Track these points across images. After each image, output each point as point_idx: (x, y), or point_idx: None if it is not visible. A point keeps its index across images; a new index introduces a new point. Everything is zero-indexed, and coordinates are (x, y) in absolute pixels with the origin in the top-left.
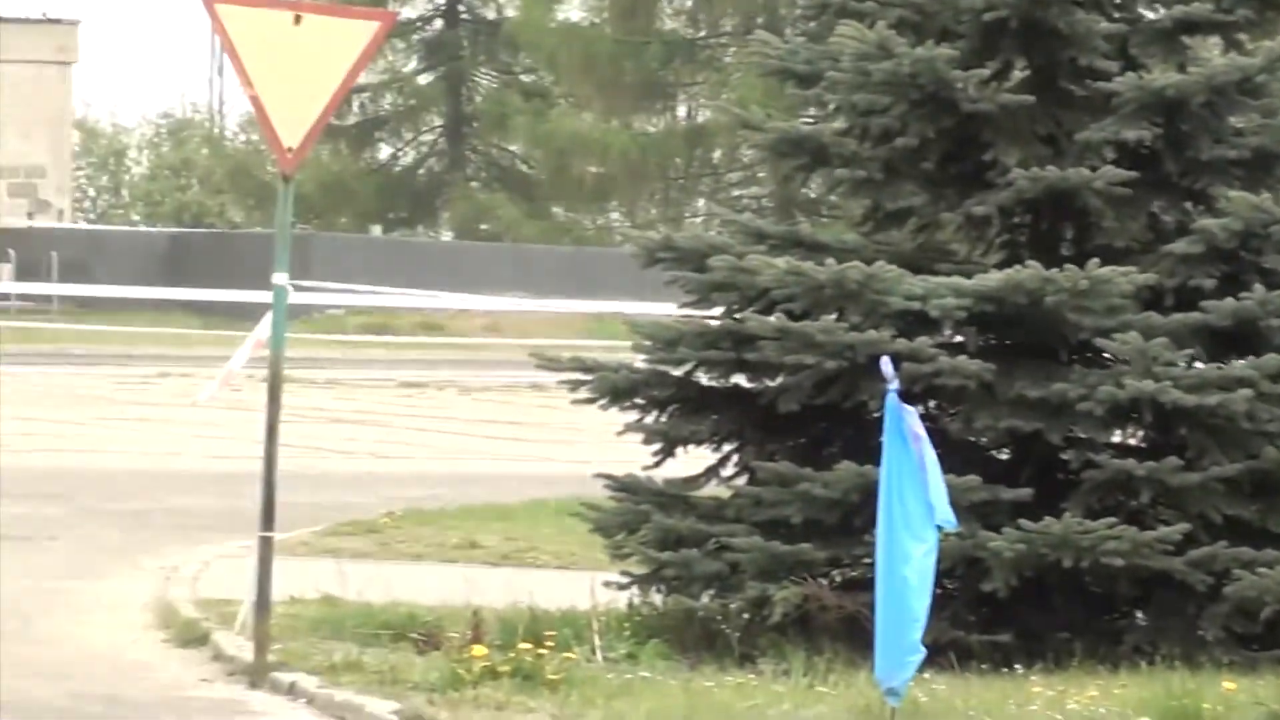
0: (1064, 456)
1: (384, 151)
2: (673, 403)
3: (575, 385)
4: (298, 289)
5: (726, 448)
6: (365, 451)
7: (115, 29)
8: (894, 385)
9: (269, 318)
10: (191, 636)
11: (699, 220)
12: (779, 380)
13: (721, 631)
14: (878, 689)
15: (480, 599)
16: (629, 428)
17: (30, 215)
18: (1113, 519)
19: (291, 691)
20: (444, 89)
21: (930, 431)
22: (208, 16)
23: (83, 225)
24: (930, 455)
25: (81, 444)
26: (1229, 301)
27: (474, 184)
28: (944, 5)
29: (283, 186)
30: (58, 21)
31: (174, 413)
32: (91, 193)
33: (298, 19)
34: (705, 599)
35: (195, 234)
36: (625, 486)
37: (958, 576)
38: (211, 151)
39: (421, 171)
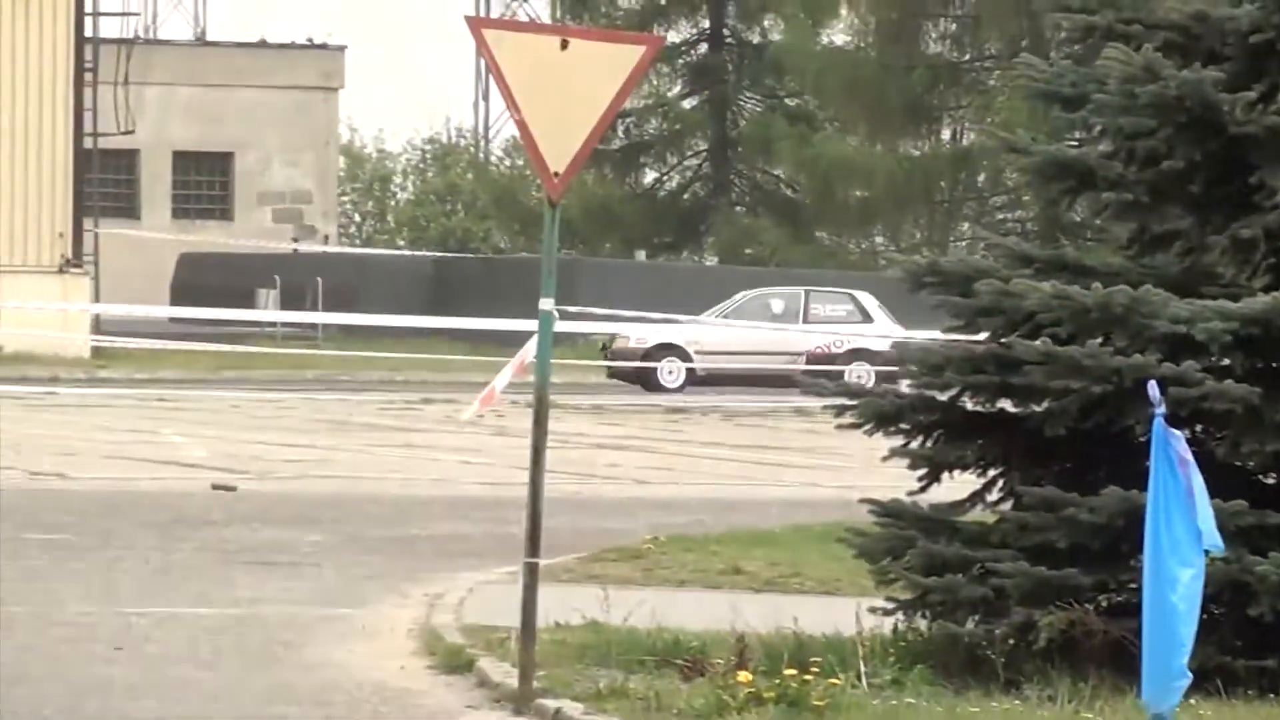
0: None
1: (649, 176)
2: (938, 428)
3: (840, 410)
4: (563, 315)
5: (992, 473)
6: (629, 477)
7: (380, 54)
8: (1160, 409)
9: (534, 340)
10: (456, 663)
11: (964, 244)
12: (1045, 405)
13: (987, 657)
14: (1144, 715)
15: (745, 625)
16: (894, 453)
17: (295, 240)
18: None
19: (557, 718)
20: (708, 113)
21: (1196, 456)
22: (475, 42)
23: (348, 250)
24: (1198, 480)
25: (346, 470)
26: None
27: (738, 208)
28: (1210, 28)
29: (549, 211)
30: (324, 47)
31: (438, 438)
32: (357, 218)
33: (565, 44)
34: (970, 625)
35: (461, 259)
36: (890, 512)
37: (1224, 601)
38: (476, 176)
39: (686, 196)
